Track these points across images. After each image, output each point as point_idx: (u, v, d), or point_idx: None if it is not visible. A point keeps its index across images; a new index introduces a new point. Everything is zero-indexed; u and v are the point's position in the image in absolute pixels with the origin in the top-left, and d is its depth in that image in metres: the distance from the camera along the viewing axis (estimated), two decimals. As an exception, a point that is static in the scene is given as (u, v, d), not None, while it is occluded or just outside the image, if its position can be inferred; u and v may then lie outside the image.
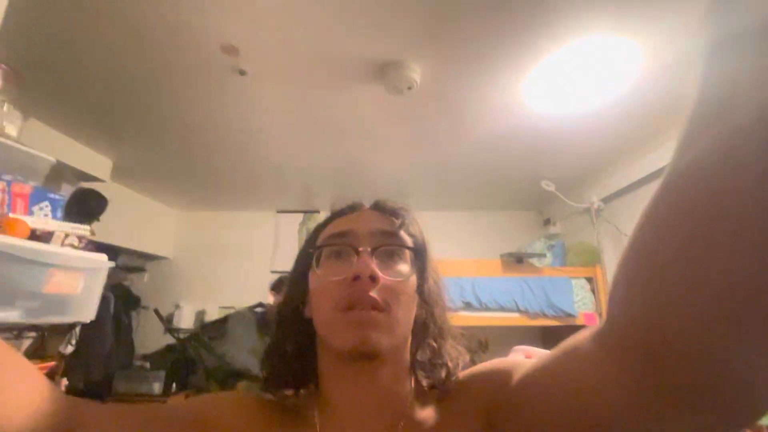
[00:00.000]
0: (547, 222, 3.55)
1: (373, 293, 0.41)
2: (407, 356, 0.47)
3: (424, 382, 0.46)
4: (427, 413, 0.45)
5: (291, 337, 0.49)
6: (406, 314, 0.44)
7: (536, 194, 3.13)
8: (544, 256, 2.91)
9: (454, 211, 3.75)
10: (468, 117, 2.07)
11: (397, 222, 0.48)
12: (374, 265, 0.42)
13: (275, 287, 2.33)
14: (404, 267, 0.45)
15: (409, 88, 1.70)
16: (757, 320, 0.18)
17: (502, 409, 0.40)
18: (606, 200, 2.71)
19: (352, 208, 0.52)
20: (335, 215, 0.52)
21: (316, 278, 0.45)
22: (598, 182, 2.76)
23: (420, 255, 0.48)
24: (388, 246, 0.45)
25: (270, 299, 2.48)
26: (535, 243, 3.11)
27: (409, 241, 0.47)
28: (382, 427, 0.43)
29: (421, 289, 0.47)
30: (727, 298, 0.18)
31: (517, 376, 0.39)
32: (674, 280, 0.20)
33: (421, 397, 0.46)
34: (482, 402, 0.42)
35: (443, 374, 0.46)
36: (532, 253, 2.91)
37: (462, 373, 0.48)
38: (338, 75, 1.72)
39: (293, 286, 0.51)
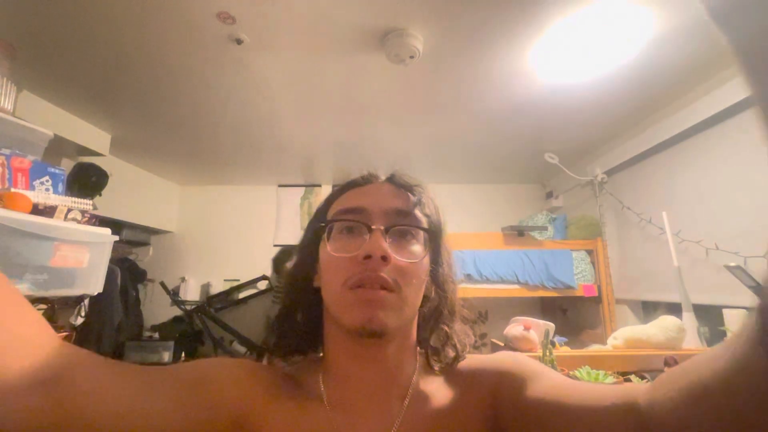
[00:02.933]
0: (549, 195, 3.54)
1: (383, 273, 0.40)
2: (414, 334, 0.47)
3: (436, 367, 0.46)
4: (433, 389, 0.45)
5: (300, 305, 0.49)
6: (416, 295, 0.44)
7: (539, 167, 3.10)
8: (546, 229, 2.91)
9: (456, 184, 3.73)
10: (471, 88, 2.01)
11: (413, 199, 0.47)
12: (386, 245, 0.41)
13: (277, 263, 2.36)
14: (417, 248, 0.45)
15: (412, 57, 1.64)
16: None
17: (511, 412, 0.41)
18: (609, 173, 2.68)
19: (367, 180, 0.50)
20: (349, 185, 0.50)
21: (327, 252, 0.45)
22: (602, 155, 2.73)
23: (434, 236, 0.47)
24: (402, 226, 0.44)
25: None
26: (537, 216, 3.11)
27: (423, 221, 0.46)
28: (388, 401, 0.43)
29: (435, 272, 0.47)
30: None
31: (535, 389, 0.39)
32: None
33: (427, 372, 0.47)
34: (493, 395, 0.43)
35: (452, 356, 0.47)
36: (533, 226, 2.91)
37: (475, 358, 0.48)
38: (339, 44, 1.66)
39: (303, 256, 0.50)
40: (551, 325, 2.10)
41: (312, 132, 2.62)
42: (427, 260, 0.46)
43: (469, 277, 2.63)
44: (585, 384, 0.38)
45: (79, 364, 0.32)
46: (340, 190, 0.51)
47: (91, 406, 0.31)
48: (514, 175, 3.57)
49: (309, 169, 3.44)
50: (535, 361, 0.47)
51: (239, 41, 1.60)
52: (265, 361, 0.50)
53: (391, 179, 0.50)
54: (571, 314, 3.07)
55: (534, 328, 2.15)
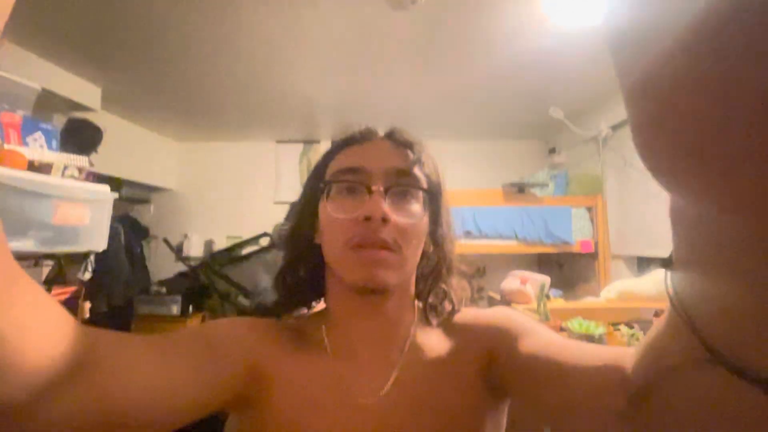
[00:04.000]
0: (552, 151, 3.48)
1: (383, 234, 0.41)
2: (412, 288, 0.50)
3: (434, 321, 0.49)
4: (430, 340, 0.48)
5: (302, 261, 0.50)
6: (415, 253, 0.45)
7: (543, 122, 3.02)
8: (547, 186, 2.90)
9: (459, 140, 3.66)
10: (477, 38, 1.91)
11: (412, 158, 0.46)
12: (386, 206, 0.42)
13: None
14: (416, 207, 0.45)
15: (413, 2, 1.54)
16: None
17: (504, 366, 0.43)
18: (615, 128, 2.62)
19: (365, 136, 0.49)
20: (347, 142, 0.49)
21: (327, 212, 0.45)
22: (609, 109, 2.65)
23: (433, 196, 0.47)
24: (402, 186, 0.45)
25: None
26: (538, 173, 3.08)
27: (423, 181, 0.46)
28: (388, 350, 0.46)
29: (434, 233, 0.48)
30: None
31: (527, 344, 0.42)
32: None
33: (425, 324, 0.49)
34: (487, 347, 0.46)
35: (445, 304, 0.49)
36: (534, 182, 2.90)
37: (471, 312, 0.51)
38: (334, -13, 1.55)
39: (303, 213, 0.51)
40: (547, 279, 2.16)
41: (310, 85, 2.53)
42: (426, 220, 0.46)
43: (468, 233, 2.66)
44: (576, 343, 0.40)
45: (98, 345, 0.31)
46: (338, 147, 0.50)
47: (118, 386, 0.30)
48: (517, 131, 3.49)
49: (308, 124, 3.36)
50: (529, 317, 0.49)
51: (229, -15, 1.50)
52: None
53: (390, 136, 0.49)
54: (567, 269, 3.14)
55: (530, 282, 2.22)
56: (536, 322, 0.48)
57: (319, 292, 0.51)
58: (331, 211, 0.44)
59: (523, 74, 2.30)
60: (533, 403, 0.40)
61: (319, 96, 2.71)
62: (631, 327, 1.59)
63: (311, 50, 2.06)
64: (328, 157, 0.50)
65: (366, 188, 0.43)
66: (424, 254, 0.48)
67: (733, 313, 0.18)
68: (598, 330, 1.54)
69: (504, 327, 0.46)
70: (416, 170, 0.46)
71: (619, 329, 1.60)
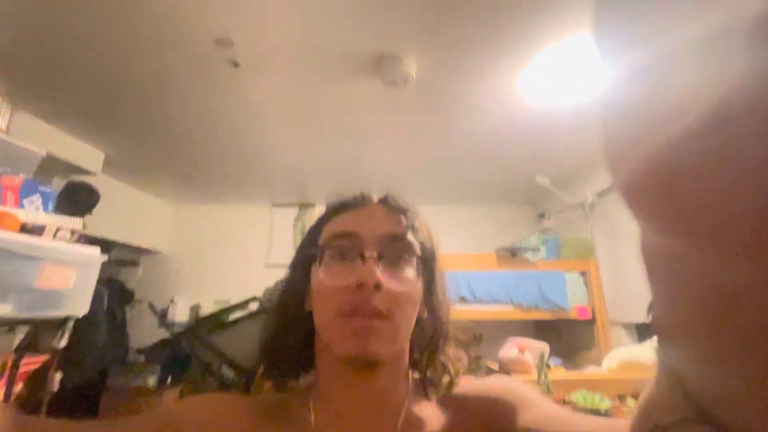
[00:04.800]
0: (541, 216, 3.57)
1: (376, 301, 0.40)
2: (406, 358, 0.47)
3: (432, 396, 0.46)
4: (425, 415, 0.44)
5: (291, 328, 0.48)
6: (408, 321, 0.44)
7: (531, 188, 3.14)
8: (539, 250, 2.93)
9: (449, 205, 3.76)
10: (464, 110, 2.06)
11: (405, 223, 0.46)
12: (379, 273, 0.41)
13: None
14: (410, 273, 0.44)
15: (405, 81, 1.69)
16: None
17: None
18: (601, 195, 2.72)
19: (359, 202, 0.49)
20: (341, 208, 0.49)
21: (318, 278, 0.44)
22: (594, 177, 2.78)
23: (428, 263, 0.47)
24: (395, 253, 0.44)
25: None
26: (529, 237, 3.12)
27: (417, 247, 0.46)
28: (381, 425, 0.43)
29: (429, 300, 0.47)
30: None
31: (528, 418, 0.40)
32: None
33: (419, 397, 0.46)
34: (485, 423, 0.43)
35: (440, 376, 0.47)
36: (526, 247, 2.92)
37: (468, 384, 0.48)
38: (333, 68, 1.70)
39: (294, 278, 0.50)
40: (546, 346, 2.07)
41: (306, 152, 2.64)
42: (420, 286, 0.45)
43: (462, 299, 2.61)
44: (578, 416, 0.38)
45: None
46: (332, 212, 0.50)
47: None
48: (506, 197, 3.61)
49: (303, 189, 3.45)
50: (529, 388, 0.47)
51: (236, 64, 1.63)
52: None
53: (384, 201, 0.50)
54: (566, 336, 3.05)
55: (529, 350, 2.13)
56: (536, 392, 0.45)
57: (308, 364, 0.48)
58: (322, 278, 0.43)
59: (507, 144, 2.45)
60: None
61: (313, 162, 2.82)
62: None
63: (306, 120, 2.20)
64: (322, 222, 0.50)
65: (359, 254, 0.42)
66: (419, 321, 0.46)
67: (719, 373, 0.18)
68: (604, 404, 1.45)
69: (502, 399, 0.44)
70: (410, 236, 0.46)
71: (626, 403, 1.52)
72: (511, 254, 2.86)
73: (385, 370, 0.43)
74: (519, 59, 1.63)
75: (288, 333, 0.48)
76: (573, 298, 2.68)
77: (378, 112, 2.09)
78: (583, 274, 2.78)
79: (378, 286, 0.40)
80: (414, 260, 0.45)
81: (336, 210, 0.50)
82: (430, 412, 0.45)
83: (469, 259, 2.84)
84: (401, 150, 2.60)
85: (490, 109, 2.03)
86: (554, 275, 2.73)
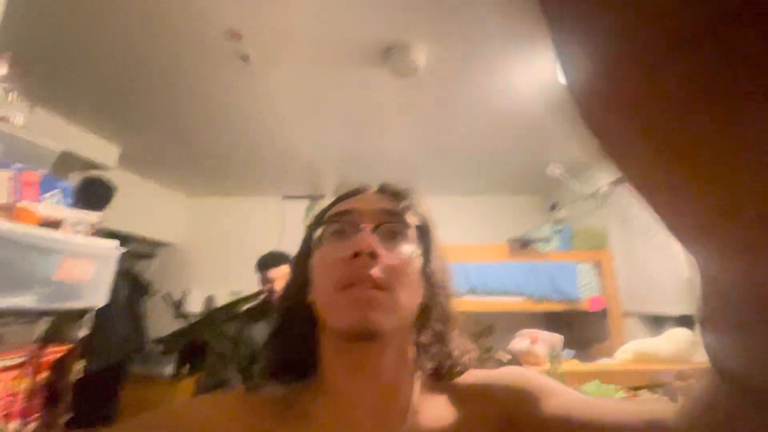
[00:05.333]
0: (553, 207, 3.52)
1: (373, 271, 0.39)
2: (411, 348, 0.44)
3: (428, 365, 0.44)
4: (435, 409, 0.43)
5: (294, 323, 0.47)
6: (410, 296, 0.42)
7: (543, 179, 3.10)
8: (550, 240, 2.90)
9: (461, 196, 3.73)
10: (475, 99, 2.03)
11: (403, 203, 0.46)
12: (375, 243, 0.40)
13: (260, 267, 2.35)
14: (408, 247, 0.43)
15: (414, 71, 1.67)
16: None
17: (527, 431, 0.39)
18: (614, 184, 2.67)
19: (358, 191, 0.50)
20: (341, 197, 0.49)
21: (316, 259, 0.44)
22: (607, 165, 2.72)
23: (425, 235, 0.46)
24: (391, 226, 0.43)
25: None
26: (541, 228, 3.09)
27: (414, 221, 0.45)
28: (387, 423, 0.41)
29: (425, 270, 0.44)
30: None
31: (555, 406, 0.38)
32: None
33: (429, 390, 0.44)
34: (506, 415, 0.41)
35: (448, 363, 0.44)
36: (538, 238, 2.90)
37: (481, 374, 0.46)
38: (343, 58, 1.69)
39: (296, 270, 0.49)
40: (558, 338, 2.06)
41: (317, 144, 2.65)
42: (419, 260, 0.44)
43: (473, 290, 2.61)
44: (608, 400, 0.36)
45: None
46: (331, 203, 0.50)
47: None
48: (518, 187, 3.57)
49: (314, 180, 3.47)
50: (546, 376, 0.45)
51: (246, 57, 1.64)
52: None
53: (381, 188, 0.50)
54: (578, 328, 3.02)
55: (540, 342, 2.12)
56: (553, 380, 0.44)
57: (311, 364, 0.46)
58: (320, 256, 0.43)
59: (520, 132, 2.41)
60: None
61: (324, 154, 2.82)
62: (654, 393, 1.49)
63: (317, 112, 2.20)
64: (323, 212, 0.50)
65: (354, 228, 0.42)
66: (422, 305, 0.44)
67: None
68: (618, 396, 1.44)
69: (523, 389, 0.42)
70: (407, 213, 0.45)
71: (640, 395, 1.50)
72: (523, 245, 2.83)
73: (389, 351, 0.41)
74: (533, 46, 1.59)
75: (290, 328, 0.47)
76: (585, 289, 2.65)
77: (388, 102, 2.08)
78: (596, 264, 2.74)
79: (374, 255, 0.39)
80: (411, 233, 0.44)
81: (336, 200, 0.50)
82: (440, 406, 0.43)
83: (480, 250, 2.83)
84: (412, 141, 2.58)
85: (503, 95, 1.99)
86: (566, 266, 2.70)
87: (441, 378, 0.45)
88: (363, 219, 0.43)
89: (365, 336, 0.38)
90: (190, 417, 0.40)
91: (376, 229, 0.42)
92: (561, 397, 0.39)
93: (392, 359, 0.42)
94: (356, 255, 0.39)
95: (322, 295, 0.42)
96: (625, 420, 0.32)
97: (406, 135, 2.49)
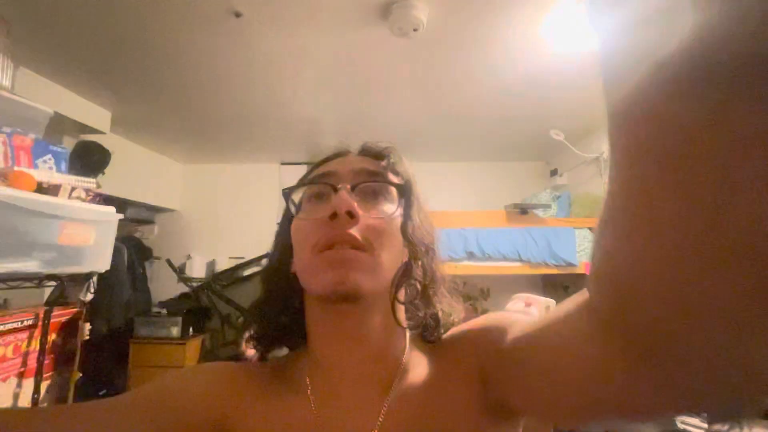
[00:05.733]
0: (554, 172, 3.50)
1: (353, 231, 0.38)
2: (398, 310, 0.43)
3: (405, 324, 0.43)
4: (422, 370, 0.43)
5: (277, 292, 0.46)
6: (391, 257, 0.40)
7: (544, 144, 3.06)
8: (549, 207, 2.90)
9: (461, 162, 3.70)
10: (478, 62, 1.96)
11: (383, 163, 0.45)
12: (353, 202, 0.38)
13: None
14: (388, 206, 0.42)
15: (415, 29, 1.60)
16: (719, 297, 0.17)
17: (495, 366, 0.39)
18: (616, 150, 2.64)
19: (339, 154, 0.48)
20: (321, 161, 0.48)
21: (296, 223, 0.43)
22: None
23: (406, 193, 0.43)
24: (370, 182, 0.42)
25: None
26: (541, 194, 3.09)
27: (394, 180, 0.44)
28: (376, 386, 0.41)
29: (404, 228, 0.42)
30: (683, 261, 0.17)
31: (511, 335, 0.38)
32: (635, 247, 0.19)
33: (421, 351, 0.44)
34: (476, 359, 0.41)
35: (433, 323, 0.44)
36: (536, 204, 2.90)
37: (458, 329, 0.46)
38: (340, 16, 1.61)
39: (278, 240, 0.48)
40: (552, 302, 2.12)
41: (314, 108, 2.58)
42: (400, 219, 0.42)
43: (471, 255, 2.65)
44: (552, 313, 0.36)
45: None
46: (311, 167, 0.49)
47: None
48: (519, 153, 3.53)
49: (311, 146, 3.42)
50: (511, 313, 0.45)
51: (238, 14, 1.56)
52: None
53: (362, 149, 0.48)
54: (573, 291, 3.09)
55: (535, 305, 2.18)
56: (517, 315, 0.43)
57: (297, 334, 0.46)
58: (298, 221, 0.42)
59: (524, 96, 2.35)
60: (530, 400, 0.36)
61: (322, 118, 2.76)
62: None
63: (314, 74, 2.12)
64: (303, 178, 0.48)
65: (332, 188, 0.40)
66: (405, 271, 0.42)
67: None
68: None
69: (484, 328, 0.42)
70: (388, 172, 0.44)
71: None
72: (521, 211, 2.84)
73: (372, 313, 0.41)
74: (539, 3, 1.52)
75: (274, 298, 0.47)
76: (582, 254, 2.70)
77: (388, 64, 2.00)
78: (593, 230, 2.77)
79: (352, 215, 0.38)
80: (392, 193, 0.43)
81: (316, 165, 0.49)
82: (424, 366, 0.43)
83: (479, 216, 2.84)
84: (412, 104, 2.52)
85: (507, 57, 1.92)
86: (564, 231, 2.73)
87: (430, 337, 0.45)
88: (341, 180, 0.42)
89: (346, 297, 0.38)
90: (185, 382, 0.41)
91: (354, 188, 0.40)
92: (515, 326, 0.39)
93: (378, 322, 0.41)
94: (334, 215, 0.38)
95: (301, 260, 0.41)
96: (556, 319, 0.33)
97: (406, 98, 2.42)
